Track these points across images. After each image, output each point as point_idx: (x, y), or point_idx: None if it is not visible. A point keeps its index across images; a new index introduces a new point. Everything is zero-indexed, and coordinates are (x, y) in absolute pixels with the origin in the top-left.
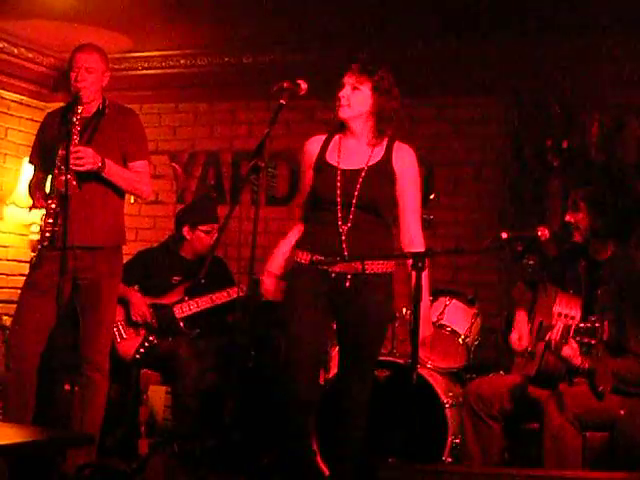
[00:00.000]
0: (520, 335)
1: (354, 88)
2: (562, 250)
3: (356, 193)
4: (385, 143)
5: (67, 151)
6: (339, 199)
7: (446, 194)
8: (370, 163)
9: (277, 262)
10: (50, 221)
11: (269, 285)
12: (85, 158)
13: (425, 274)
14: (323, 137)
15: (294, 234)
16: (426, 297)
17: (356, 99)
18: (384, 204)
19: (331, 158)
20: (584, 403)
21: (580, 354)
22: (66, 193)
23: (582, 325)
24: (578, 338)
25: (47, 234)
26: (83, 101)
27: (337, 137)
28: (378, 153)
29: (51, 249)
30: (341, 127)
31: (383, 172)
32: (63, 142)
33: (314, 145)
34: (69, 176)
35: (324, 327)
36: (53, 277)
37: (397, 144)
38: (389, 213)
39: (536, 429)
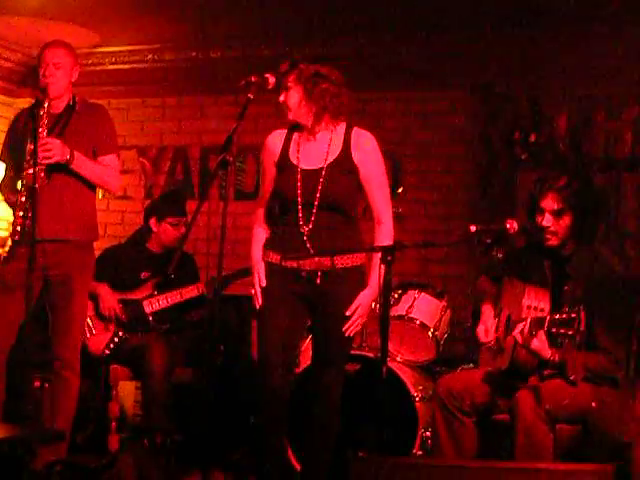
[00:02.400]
0: (486, 328)
1: (285, 89)
2: (527, 243)
3: (317, 194)
4: (342, 131)
5: (35, 144)
6: (300, 199)
7: (415, 187)
8: (329, 160)
9: (262, 272)
10: (21, 214)
11: (260, 277)
12: (53, 150)
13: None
14: (284, 132)
15: (259, 238)
16: (377, 283)
17: (290, 98)
18: (347, 201)
19: (293, 156)
20: (556, 397)
21: (550, 347)
22: (34, 186)
23: (557, 317)
24: (554, 330)
25: (18, 227)
26: (51, 96)
27: (296, 135)
28: (336, 147)
29: (21, 244)
30: (298, 125)
31: (343, 167)
32: (32, 136)
33: (276, 141)
34: (38, 168)
35: (296, 325)
36: (22, 274)
37: (354, 132)
38: (354, 208)
39: (507, 421)
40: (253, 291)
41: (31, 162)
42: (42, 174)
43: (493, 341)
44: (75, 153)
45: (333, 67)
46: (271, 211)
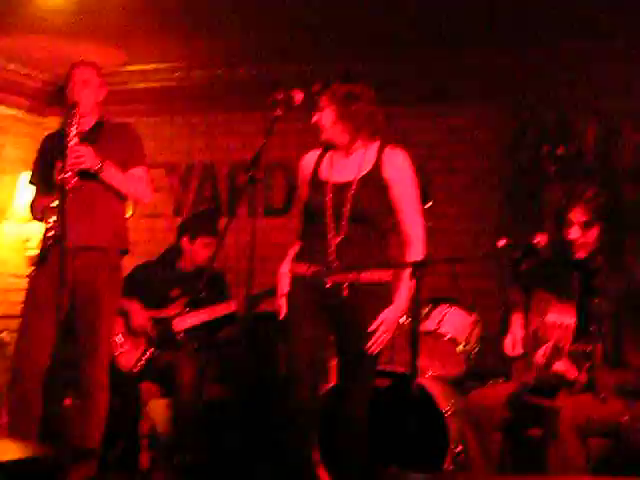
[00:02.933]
0: (514, 340)
1: (318, 110)
2: (556, 256)
3: (348, 206)
4: (375, 148)
5: (66, 152)
6: (329, 212)
7: (443, 202)
8: (360, 175)
9: (285, 282)
10: (54, 218)
11: (283, 292)
12: (85, 156)
13: (407, 281)
14: (317, 152)
15: (292, 252)
16: (401, 300)
17: (324, 119)
18: (376, 215)
19: (323, 173)
20: (586, 412)
21: (574, 368)
22: (64, 192)
23: (573, 348)
24: (573, 360)
25: (51, 232)
26: (79, 113)
27: (330, 153)
28: (368, 163)
29: (52, 252)
30: (331, 144)
31: (373, 182)
32: (62, 152)
33: (308, 161)
34: (69, 174)
35: (323, 339)
36: (54, 291)
37: (387, 150)
38: (383, 223)
39: (538, 436)
40: (276, 302)
41: (63, 168)
42: (73, 179)
43: (520, 353)
44: (106, 162)
45: (366, 86)
46: (303, 226)
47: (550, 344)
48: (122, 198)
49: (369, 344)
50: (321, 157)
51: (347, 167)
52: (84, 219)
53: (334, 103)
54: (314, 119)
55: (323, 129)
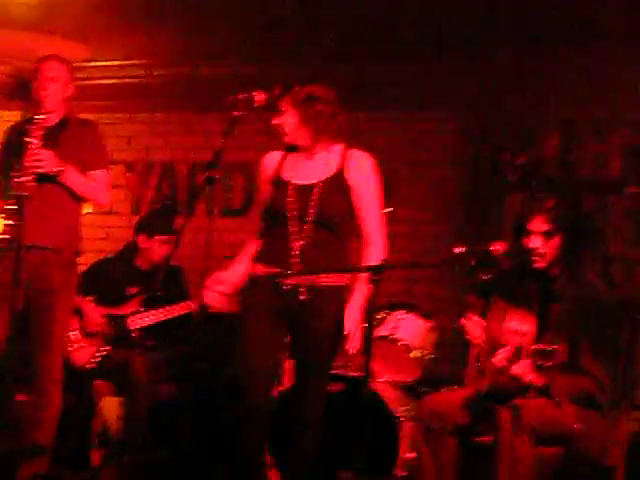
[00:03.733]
0: (476, 322)
1: (280, 112)
2: (514, 266)
3: (310, 210)
4: (339, 151)
5: (26, 154)
6: (290, 214)
7: (403, 207)
8: (323, 177)
9: (222, 276)
10: (9, 222)
11: (210, 299)
12: (44, 160)
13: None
14: (279, 153)
15: (248, 250)
16: (359, 296)
17: (286, 121)
18: (339, 218)
19: (285, 174)
20: (539, 415)
21: (532, 371)
22: (22, 194)
23: (536, 347)
24: (534, 360)
25: (6, 235)
26: (45, 109)
27: (292, 154)
28: (332, 166)
29: (6, 252)
30: (294, 147)
31: (336, 186)
32: (23, 147)
33: (269, 162)
34: (27, 177)
35: (277, 340)
36: (6, 287)
37: (351, 153)
38: (345, 227)
39: (490, 443)
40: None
41: (21, 171)
42: (31, 183)
43: (479, 334)
44: (65, 166)
45: (327, 87)
46: (263, 226)
47: (511, 347)
48: (79, 200)
49: (347, 345)
50: (283, 158)
51: (310, 169)
52: (39, 220)
53: (296, 106)
54: (275, 121)
55: (285, 132)
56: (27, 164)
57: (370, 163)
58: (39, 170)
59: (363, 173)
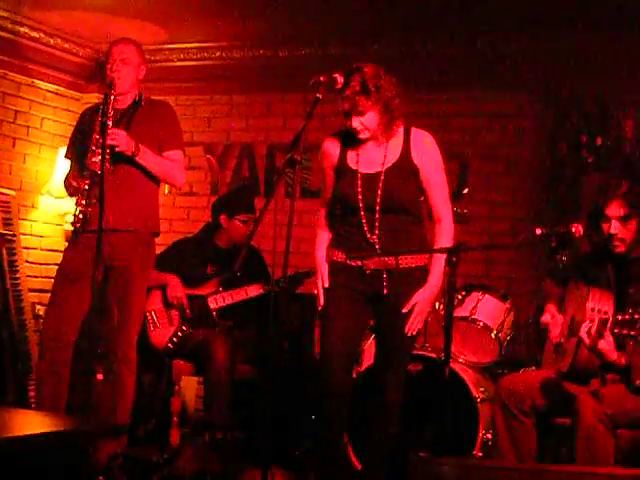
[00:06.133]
0: (552, 314)
1: (360, 114)
2: (593, 249)
3: (378, 199)
4: (402, 133)
5: (102, 134)
6: (362, 204)
7: (480, 189)
8: (388, 164)
9: (324, 271)
10: (83, 202)
11: (323, 278)
12: (119, 139)
13: (441, 264)
14: (338, 137)
15: (323, 239)
16: (434, 282)
17: (367, 121)
18: (408, 202)
19: (351, 161)
20: (617, 402)
21: (616, 349)
22: (98, 172)
23: (620, 317)
24: (617, 330)
25: (80, 215)
26: (118, 91)
27: (353, 138)
28: (395, 149)
29: (83, 233)
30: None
31: (403, 170)
32: (98, 128)
33: (333, 145)
34: (100, 158)
35: (360, 323)
36: (86, 265)
37: (413, 133)
38: (417, 208)
39: (568, 425)
40: (316, 291)
41: (96, 151)
42: (106, 164)
43: (559, 327)
44: (140, 146)
45: (390, 75)
46: (333, 213)
47: (595, 320)
48: (155, 181)
49: (407, 327)
50: (345, 143)
51: (374, 155)
52: (115, 204)
53: (376, 106)
54: (355, 124)
55: (366, 131)
56: (102, 144)
57: (433, 141)
58: (114, 150)
59: (428, 152)
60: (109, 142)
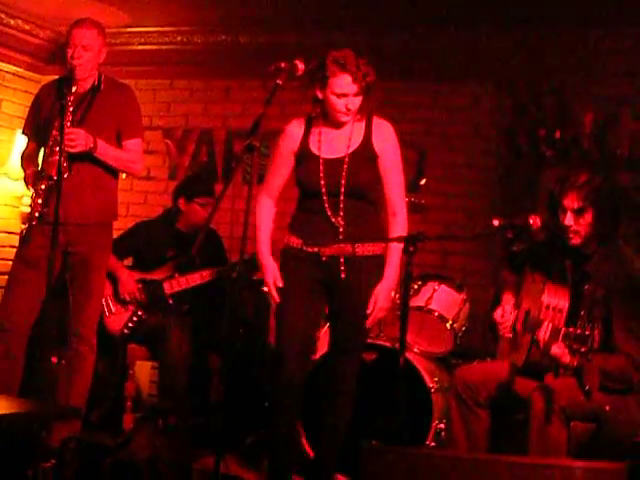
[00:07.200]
0: (504, 311)
1: (358, 95)
2: (549, 239)
3: (342, 181)
4: (363, 120)
5: (60, 133)
6: (324, 189)
7: (438, 180)
8: (351, 149)
9: (274, 270)
10: (40, 202)
11: (273, 275)
12: (77, 140)
13: (398, 255)
14: (303, 122)
15: (265, 230)
16: (392, 275)
17: (357, 104)
18: (370, 188)
19: (314, 146)
20: (570, 396)
21: (568, 353)
22: (59, 177)
23: (572, 330)
24: (568, 342)
25: (36, 214)
26: (78, 78)
27: (317, 124)
28: (358, 135)
29: (42, 226)
30: (317, 115)
31: (364, 156)
32: (56, 121)
33: (297, 130)
34: (60, 158)
35: (316, 311)
36: (44, 250)
37: (375, 121)
38: (376, 196)
39: (522, 418)
40: (266, 288)
41: (54, 149)
42: (64, 164)
43: (509, 325)
44: (98, 142)
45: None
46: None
47: (549, 325)
48: (113, 172)
49: (367, 320)
50: (308, 129)
51: (337, 141)
52: (74, 199)
53: (364, 91)
54: (351, 106)
55: (350, 114)
56: (61, 145)
57: (393, 132)
58: (72, 150)
59: (389, 140)
60: (67, 148)
